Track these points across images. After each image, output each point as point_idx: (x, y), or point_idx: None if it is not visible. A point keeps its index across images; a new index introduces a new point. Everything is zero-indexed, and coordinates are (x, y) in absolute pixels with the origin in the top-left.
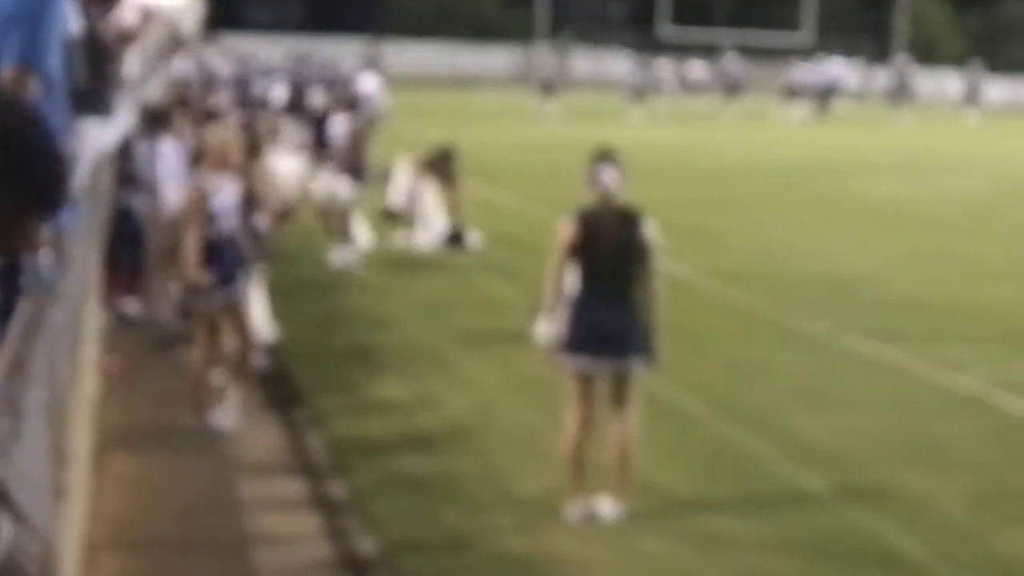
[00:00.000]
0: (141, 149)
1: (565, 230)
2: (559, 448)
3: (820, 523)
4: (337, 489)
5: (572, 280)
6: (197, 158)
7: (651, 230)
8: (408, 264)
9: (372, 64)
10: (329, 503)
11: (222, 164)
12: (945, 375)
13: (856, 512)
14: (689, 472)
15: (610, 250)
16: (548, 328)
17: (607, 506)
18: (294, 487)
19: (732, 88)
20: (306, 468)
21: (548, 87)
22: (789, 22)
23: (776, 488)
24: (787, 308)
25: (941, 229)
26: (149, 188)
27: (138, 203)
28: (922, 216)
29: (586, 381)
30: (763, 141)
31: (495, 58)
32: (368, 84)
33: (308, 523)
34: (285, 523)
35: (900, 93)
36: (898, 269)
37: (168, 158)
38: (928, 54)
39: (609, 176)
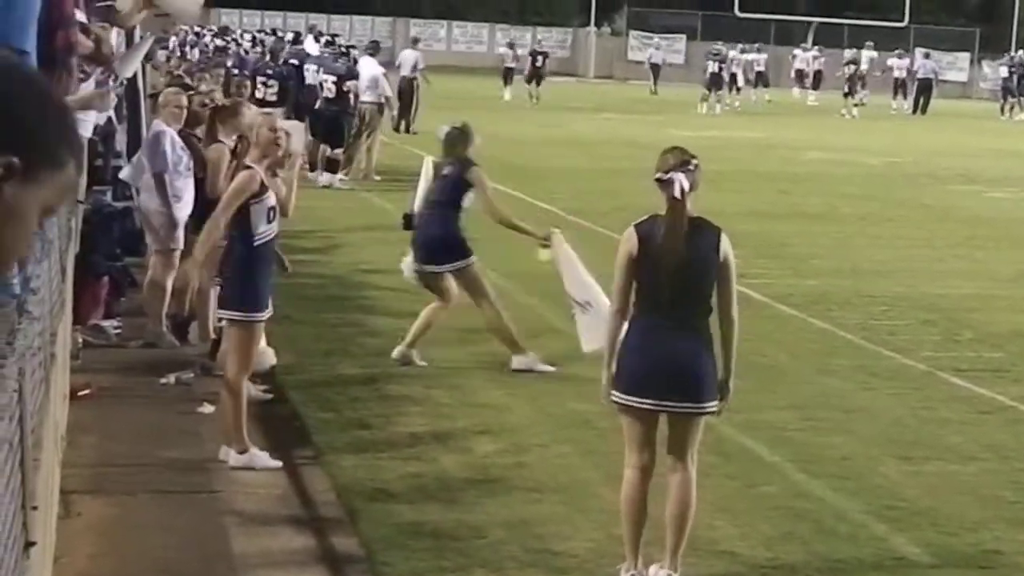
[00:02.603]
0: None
1: (626, 243)
2: (609, 500)
3: None
4: (346, 543)
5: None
6: (237, 150)
7: (728, 247)
8: None
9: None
10: (336, 559)
11: (265, 157)
12: None
13: None
14: (760, 532)
15: (677, 269)
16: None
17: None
18: (296, 540)
19: (812, 80)
20: (310, 518)
21: (508, 75)
22: (882, 7)
23: (863, 553)
24: (877, 338)
25: None
26: (157, 185)
27: (144, 200)
28: None
29: (647, 425)
30: (850, 141)
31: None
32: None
33: None
34: None
35: (1014, 89)
36: (1008, 295)
37: (172, 150)
38: None
39: (680, 185)
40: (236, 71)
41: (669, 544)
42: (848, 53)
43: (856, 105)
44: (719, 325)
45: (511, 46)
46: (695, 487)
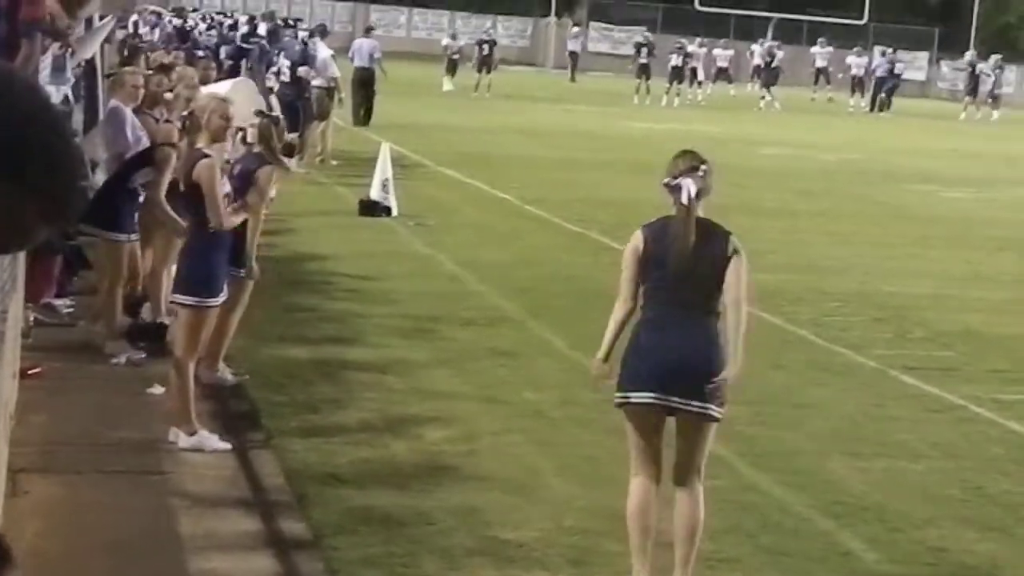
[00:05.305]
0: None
1: (632, 242)
2: (559, 490)
3: None
4: (294, 527)
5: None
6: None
7: (737, 246)
8: (386, 265)
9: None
10: (285, 543)
11: (221, 136)
12: (1013, 422)
13: None
14: (705, 524)
15: (682, 273)
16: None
17: None
18: (245, 523)
19: (770, 76)
20: (259, 501)
21: (451, 66)
22: (841, 4)
23: (809, 547)
24: (828, 334)
25: (1013, 251)
26: (117, 163)
27: (100, 180)
28: (992, 235)
29: (652, 428)
30: (806, 137)
31: (498, 32)
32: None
33: (260, 565)
34: (233, 565)
35: (974, 90)
36: (960, 295)
37: (131, 131)
38: (1009, 46)
39: (688, 191)
40: (201, 53)
41: (679, 557)
42: (760, 47)
43: (763, 98)
44: (728, 313)
45: (454, 37)
46: (703, 503)
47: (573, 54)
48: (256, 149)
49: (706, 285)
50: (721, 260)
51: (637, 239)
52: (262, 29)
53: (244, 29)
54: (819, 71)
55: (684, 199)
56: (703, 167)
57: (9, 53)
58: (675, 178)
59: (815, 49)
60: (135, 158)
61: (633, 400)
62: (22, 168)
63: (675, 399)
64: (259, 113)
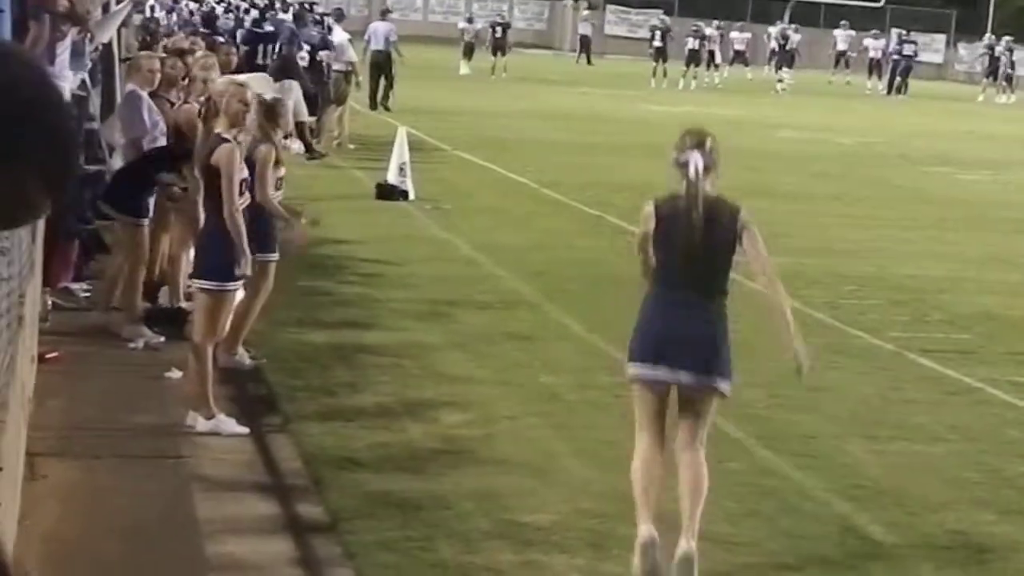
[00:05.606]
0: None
1: (644, 222)
2: (575, 473)
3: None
4: (312, 511)
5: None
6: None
7: (747, 220)
8: (403, 248)
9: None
10: (302, 526)
11: (240, 121)
12: None
13: (921, 564)
14: (724, 508)
15: (691, 251)
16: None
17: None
18: (262, 507)
19: (784, 58)
20: (276, 485)
21: (468, 50)
22: None
23: (826, 531)
24: (846, 317)
25: None
26: (135, 150)
27: (117, 165)
28: (1009, 217)
29: (659, 401)
30: (822, 120)
31: (514, 15)
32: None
33: (278, 549)
34: (251, 549)
35: (994, 73)
36: (977, 277)
37: (148, 115)
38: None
39: (695, 167)
40: (222, 39)
41: (686, 511)
42: (775, 30)
43: (780, 81)
44: (767, 292)
45: (470, 20)
46: (706, 468)
47: (584, 37)
48: (254, 133)
49: (715, 262)
50: (731, 236)
51: (649, 218)
52: (282, 13)
53: (255, 14)
54: (840, 54)
55: (692, 174)
56: (709, 142)
57: (20, 36)
58: (682, 154)
59: (837, 32)
60: (160, 153)
61: (642, 376)
62: (24, 143)
63: (682, 372)
64: (257, 96)
